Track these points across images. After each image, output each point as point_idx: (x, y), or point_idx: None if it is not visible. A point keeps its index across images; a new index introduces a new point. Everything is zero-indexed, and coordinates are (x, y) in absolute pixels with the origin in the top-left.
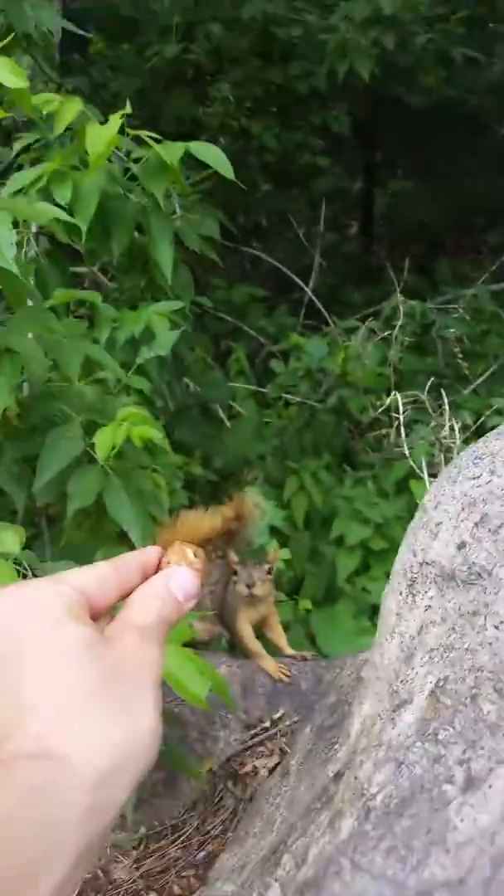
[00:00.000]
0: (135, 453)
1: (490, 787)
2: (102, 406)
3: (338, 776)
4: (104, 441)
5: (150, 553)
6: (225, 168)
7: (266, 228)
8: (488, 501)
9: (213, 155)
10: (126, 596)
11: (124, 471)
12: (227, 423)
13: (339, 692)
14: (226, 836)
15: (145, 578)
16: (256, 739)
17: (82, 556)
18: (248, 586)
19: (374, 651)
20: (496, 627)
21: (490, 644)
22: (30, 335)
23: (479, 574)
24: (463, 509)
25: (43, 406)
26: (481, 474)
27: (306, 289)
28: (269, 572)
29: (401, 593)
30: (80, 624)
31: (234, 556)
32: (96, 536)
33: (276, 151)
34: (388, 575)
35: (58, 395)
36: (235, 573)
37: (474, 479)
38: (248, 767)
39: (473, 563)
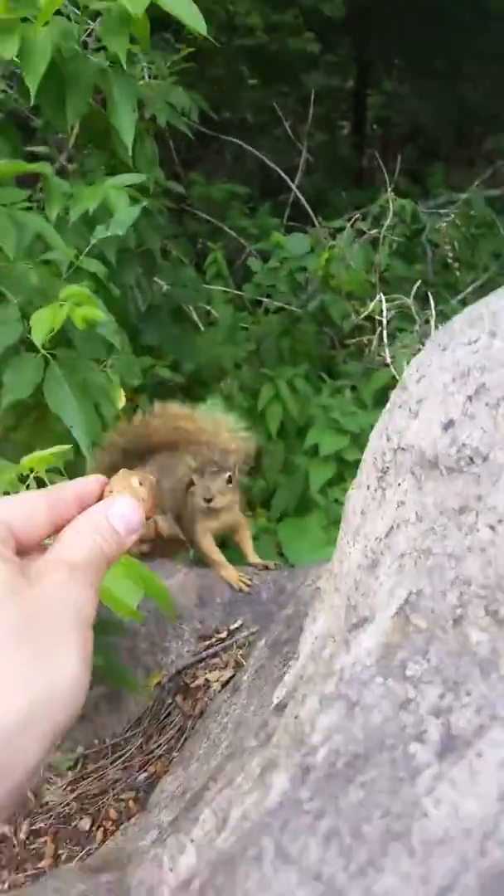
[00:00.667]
0: (86, 345)
1: (479, 755)
2: (48, 289)
3: (280, 708)
4: (41, 322)
5: (89, 482)
6: (196, 22)
7: (252, 125)
8: (487, 369)
9: (182, 6)
10: (60, 529)
11: (69, 362)
12: (202, 328)
13: (297, 603)
14: (171, 756)
15: (82, 510)
16: (211, 651)
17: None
18: (206, 500)
19: (333, 558)
20: (492, 528)
21: (482, 550)
22: None
23: (471, 459)
24: (454, 381)
25: None
26: (479, 337)
27: (292, 185)
28: (229, 481)
29: (368, 487)
30: None
31: (191, 462)
32: (40, 435)
33: (263, 36)
34: None
35: None
36: (192, 483)
37: (470, 343)
38: (200, 681)
39: (464, 444)
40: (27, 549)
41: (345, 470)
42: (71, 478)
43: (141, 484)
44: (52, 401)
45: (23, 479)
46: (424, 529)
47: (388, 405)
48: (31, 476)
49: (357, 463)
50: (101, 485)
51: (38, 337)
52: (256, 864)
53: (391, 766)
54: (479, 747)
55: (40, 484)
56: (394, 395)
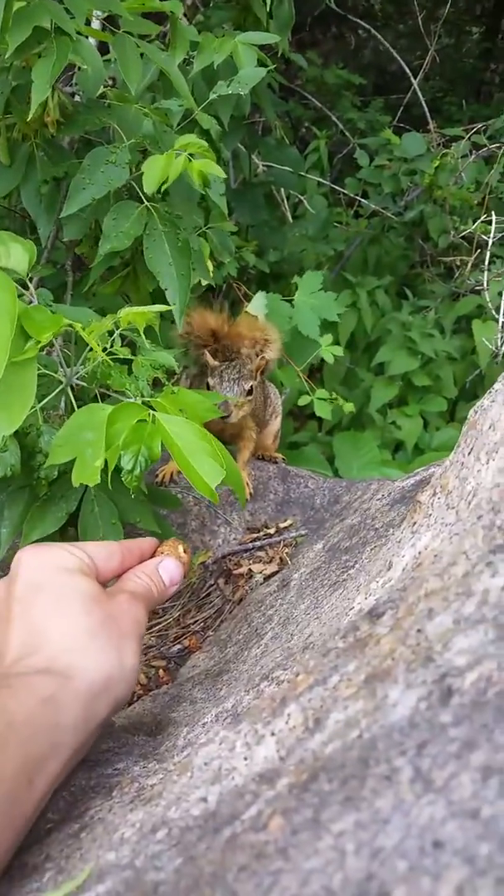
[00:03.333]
0: (186, 205)
1: None
2: (159, 138)
3: (374, 614)
4: (155, 170)
5: (148, 542)
6: None
7: (377, 13)
8: None
9: None
10: (124, 572)
11: (172, 219)
12: (289, 218)
13: (364, 515)
14: (205, 634)
15: (141, 562)
16: (258, 543)
17: (104, 309)
18: (223, 418)
19: (446, 473)
20: None
21: None
22: (92, 41)
23: None
24: None
25: (90, 117)
26: None
27: (414, 81)
28: (249, 392)
29: None
30: (87, 579)
31: (211, 360)
32: (127, 294)
33: None
34: (423, 415)
35: (110, 111)
36: (208, 386)
37: None
38: (244, 569)
39: None
40: (103, 582)
41: (409, 393)
42: (161, 341)
43: (185, 551)
44: (151, 257)
45: (111, 333)
46: None
47: None
48: (118, 332)
49: (422, 389)
50: (155, 546)
51: (150, 185)
52: (388, 784)
53: None
54: None
55: (125, 343)
56: None
